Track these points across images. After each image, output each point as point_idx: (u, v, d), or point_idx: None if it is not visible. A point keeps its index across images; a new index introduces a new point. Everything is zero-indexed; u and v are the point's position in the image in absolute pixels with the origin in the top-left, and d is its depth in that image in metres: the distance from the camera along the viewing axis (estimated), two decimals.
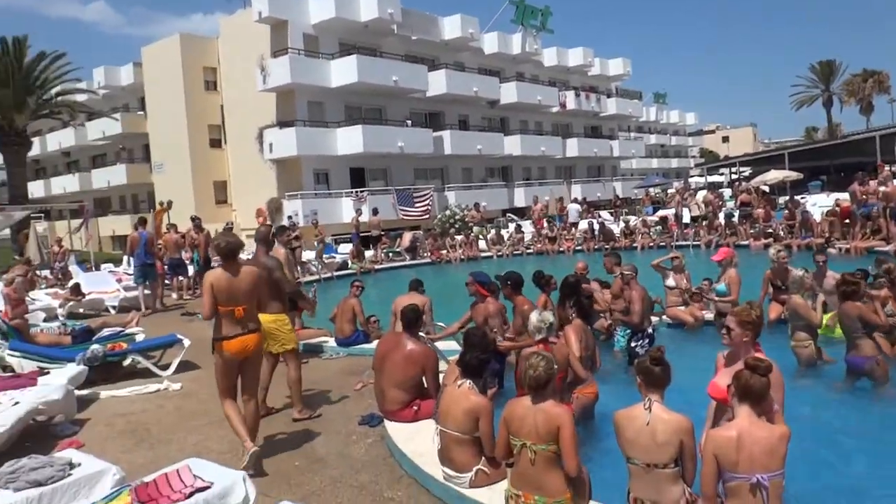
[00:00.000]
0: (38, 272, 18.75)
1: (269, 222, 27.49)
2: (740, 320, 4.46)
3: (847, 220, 18.29)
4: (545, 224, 24.88)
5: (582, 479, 4.13)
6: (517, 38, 41.81)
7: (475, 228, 25.49)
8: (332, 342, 9.84)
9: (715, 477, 3.56)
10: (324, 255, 20.78)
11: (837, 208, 18.91)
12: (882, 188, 19.16)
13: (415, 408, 6.01)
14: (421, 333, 8.03)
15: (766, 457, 3.45)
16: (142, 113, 40.92)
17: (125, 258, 23.78)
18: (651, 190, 41.54)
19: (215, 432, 6.60)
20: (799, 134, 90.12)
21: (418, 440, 5.47)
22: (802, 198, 26.20)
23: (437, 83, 35.15)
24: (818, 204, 23.51)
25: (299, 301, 7.16)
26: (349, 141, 30.75)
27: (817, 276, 8.86)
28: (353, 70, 30.47)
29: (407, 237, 23.67)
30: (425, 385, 6.19)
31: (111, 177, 42.66)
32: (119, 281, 16.93)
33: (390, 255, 22.89)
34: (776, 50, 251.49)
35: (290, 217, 26.53)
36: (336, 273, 19.52)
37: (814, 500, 4.44)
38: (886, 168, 23.21)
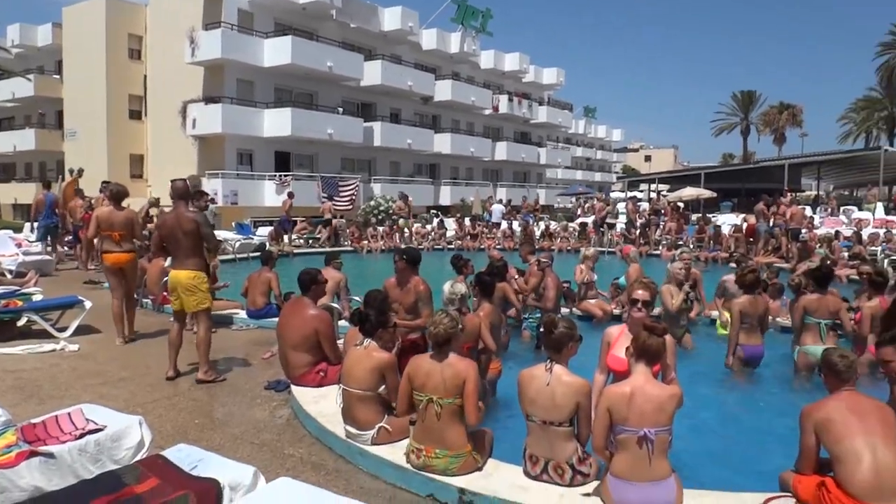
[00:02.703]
0: None
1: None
2: (653, 293, 4.64)
3: (752, 238, 19.25)
4: (465, 224, 25.00)
5: (483, 437, 4.23)
6: (456, 37, 42.02)
7: (400, 221, 25.53)
8: (242, 314, 9.67)
9: (606, 430, 3.72)
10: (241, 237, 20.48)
11: (745, 224, 19.87)
12: (788, 210, 20.35)
13: (320, 373, 5.98)
14: (335, 305, 8.09)
15: (655, 413, 3.62)
16: (58, 77, 39.02)
17: (27, 225, 22.70)
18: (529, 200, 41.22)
19: (111, 391, 6.40)
20: (716, 159, 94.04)
21: (324, 403, 5.45)
22: (714, 216, 27.40)
23: (373, 73, 34.95)
24: (727, 222, 24.61)
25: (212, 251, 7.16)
26: (277, 123, 30.22)
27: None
28: (287, 51, 29.97)
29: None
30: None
31: (18, 141, 40.40)
32: (19, 246, 16.13)
33: (310, 241, 22.69)
34: (701, 78, 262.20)
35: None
36: (252, 254, 19.13)
37: (695, 457, 4.67)
38: (791, 194, 24.55)
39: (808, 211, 24.97)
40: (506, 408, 5.68)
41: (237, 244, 19.52)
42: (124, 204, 8.55)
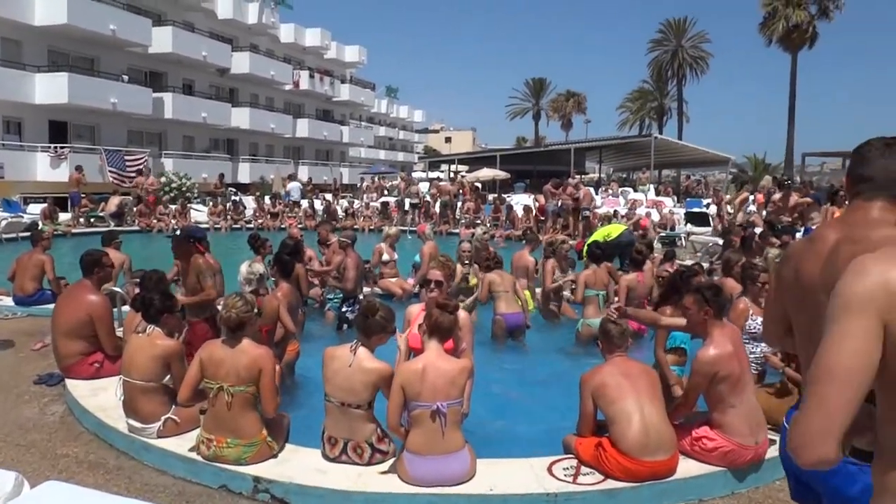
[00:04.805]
0: None
1: None
2: (447, 273, 4.74)
3: (542, 216, 20.55)
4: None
5: (279, 422, 4.12)
6: (254, 8, 40.29)
7: (218, 199, 24.36)
8: (8, 301, 8.66)
9: (400, 408, 3.77)
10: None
11: (536, 203, 21.18)
12: (574, 192, 21.94)
13: (95, 364, 5.49)
14: (118, 289, 7.50)
15: (447, 387, 3.72)
16: None
17: None
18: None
19: None
20: (511, 142, 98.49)
21: (103, 396, 5.02)
22: (508, 196, 28.86)
23: (162, 40, 32.50)
24: (521, 202, 26.01)
25: None
26: (51, 89, 27.10)
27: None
28: (63, 10, 26.87)
29: (114, 201, 21.71)
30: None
31: None
32: None
33: (92, 219, 20.86)
34: (497, 63, 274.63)
35: None
36: (22, 234, 17.20)
37: (485, 427, 4.88)
38: (578, 177, 26.50)
39: (592, 192, 27.05)
40: (304, 390, 5.60)
41: (4, 223, 17.46)
42: None
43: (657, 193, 27.96)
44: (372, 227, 21.97)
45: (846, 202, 2.25)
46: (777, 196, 14.86)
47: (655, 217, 21.16)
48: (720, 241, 12.69)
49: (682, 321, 4.63)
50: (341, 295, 8.20)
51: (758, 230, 12.16)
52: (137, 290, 7.72)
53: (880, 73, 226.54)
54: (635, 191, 28.96)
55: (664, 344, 5.27)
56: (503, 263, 8.03)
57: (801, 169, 38.97)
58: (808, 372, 1.55)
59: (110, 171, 27.70)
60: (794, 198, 14.29)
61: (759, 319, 5.56)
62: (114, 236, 8.61)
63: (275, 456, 4.09)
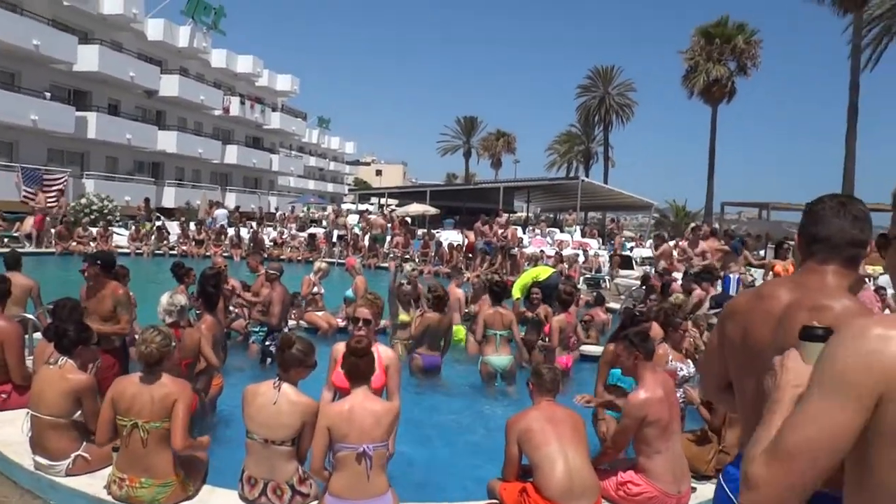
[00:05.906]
0: None
1: None
2: (376, 311, 4.71)
3: (471, 254, 20.74)
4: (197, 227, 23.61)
5: (196, 462, 3.99)
6: (185, 31, 39.67)
7: (139, 223, 23.60)
8: None
9: (325, 451, 3.70)
10: None
11: (466, 240, 21.40)
12: (501, 231, 22.28)
13: (2, 395, 5.21)
14: (30, 316, 7.17)
15: (374, 428, 3.67)
16: None
17: None
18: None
19: None
20: (442, 178, 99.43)
21: (8, 429, 4.76)
22: (437, 232, 29.05)
23: (88, 59, 31.56)
24: (449, 239, 26.20)
25: None
26: None
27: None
28: None
29: (29, 222, 20.79)
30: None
31: None
32: None
33: (6, 239, 19.91)
34: (430, 99, 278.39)
35: None
36: None
37: (410, 469, 4.86)
38: (505, 215, 26.92)
39: (519, 231, 27.49)
40: (224, 427, 5.44)
41: None
42: None
43: (583, 235, 28.60)
44: (300, 259, 21.68)
45: (790, 255, 2.29)
46: (685, 242, 15.26)
47: (581, 259, 21.64)
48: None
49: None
50: (266, 328, 8.05)
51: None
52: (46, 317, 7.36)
53: (790, 127, 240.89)
54: (562, 231, 29.54)
55: (605, 379, 5.37)
56: (446, 304, 7.98)
57: (721, 217, 40.50)
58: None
59: (25, 191, 26.50)
60: (703, 245, 14.62)
61: (678, 364, 5.72)
62: (17, 258, 8.03)
63: (190, 497, 3.95)
